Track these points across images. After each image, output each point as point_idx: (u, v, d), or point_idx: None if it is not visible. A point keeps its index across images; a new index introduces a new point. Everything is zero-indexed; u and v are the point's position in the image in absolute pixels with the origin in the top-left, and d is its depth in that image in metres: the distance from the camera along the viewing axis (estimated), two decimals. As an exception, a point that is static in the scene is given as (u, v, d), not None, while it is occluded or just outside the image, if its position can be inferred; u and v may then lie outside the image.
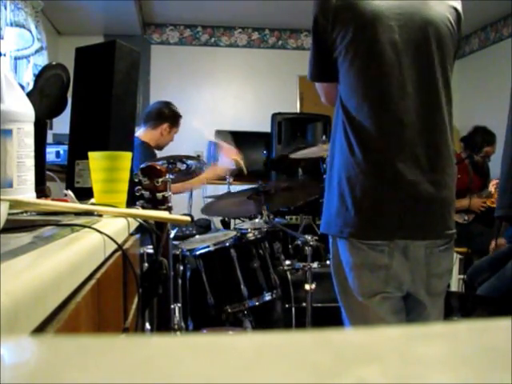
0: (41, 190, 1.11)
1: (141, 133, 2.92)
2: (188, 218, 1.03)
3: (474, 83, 4.88)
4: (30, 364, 0.21)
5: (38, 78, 1.34)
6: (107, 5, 4.26)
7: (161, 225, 1.14)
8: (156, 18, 5.19)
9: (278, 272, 2.45)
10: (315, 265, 2.26)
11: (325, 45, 1.39)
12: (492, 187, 3.48)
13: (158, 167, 1.19)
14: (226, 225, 3.60)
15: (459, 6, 1.44)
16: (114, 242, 0.72)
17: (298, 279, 2.42)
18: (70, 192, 1.01)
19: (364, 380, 0.19)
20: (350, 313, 1.44)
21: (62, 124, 1.92)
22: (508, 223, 2.51)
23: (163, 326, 1.23)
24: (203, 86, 5.31)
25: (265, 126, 4.83)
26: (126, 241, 0.96)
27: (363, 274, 1.37)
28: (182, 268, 2.24)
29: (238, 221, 3.71)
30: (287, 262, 2.49)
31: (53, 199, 1.01)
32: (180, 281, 2.20)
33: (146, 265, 1.47)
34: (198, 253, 2.34)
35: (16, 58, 3.41)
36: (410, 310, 1.43)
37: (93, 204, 0.99)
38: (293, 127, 4.69)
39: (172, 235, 1.54)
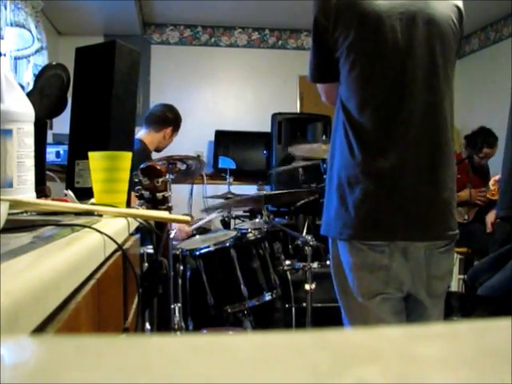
0: (41, 190, 1.11)
1: (142, 134, 2.92)
2: (188, 218, 1.03)
3: (474, 83, 4.88)
4: (30, 364, 0.21)
5: (38, 78, 1.34)
6: (107, 5, 4.26)
7: (161, 225, 1.14)
8: (156, 18, 5.19)
9: (278, 272, 2.45)
10: (315, 265, 2.26)
11: (325, 45, 1.38)
12: (492, 185, 3.48)
13: (158, 167, 1.19)
14: (226, 225, 3.60)
15: (461, 5, 1.44)
16: (114, 242, 0.72)
17: (298, 279, 2.42)
18: (70, 192, 1.01)
19: (364, 380, 0.19)
20: (349, 314, 1.44)
21: (62, 124, 1.92)
22: (509, 224, 2.51)
23: (163, 326, 1.23)
24: (203, 86, 5.31)
25: (265, 126, 4.83)
26: (126, 241, 0.96)
27: (363, 275, 1.36)
28: (182, 268, 2.24)
29: (238, 221, 3.71)
30: (287, 262, 2.49)
31: (53, 199, 1.01)
32: (180, 281, 2.20)
33: (146, 265, 1.47)
34: (198, 253, 2.34)
35: (16, 58, 3.41)
36: (411, 311, 1.42)
37: (93, 204, 0.99)
38: (293, 127, 4.69)
39: (172, 235, 1.54)
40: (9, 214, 0.62)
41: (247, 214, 3.85)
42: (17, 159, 0.81)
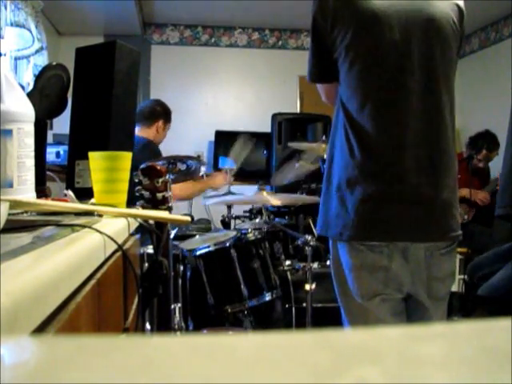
0: (41, 190, 1.11)
1: (136, 132, 2.93)
2: (188, 218, 1.03)
3: (474, 83, 4.87)
4: (30, 364, 0.21)
5: (38, 78, 1.34)
6: (107, 5, 4.26)
7: (161, 225, 1.14)
8: (156, 18, 5.19)
9: (278, 272, 2.45)
10: (315, 265, 2.26)
11: (324, 45, 1.38)
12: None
13: (158, 167, 1.19)
14: (226, 225, 3.60)
15: (462, 4, 1.43)
16: (115, 242, 0.72)
17: (298, 279, 2.42)
18: (70, 192, 1.01)
19: (364, 380, 0.19)
20: (349, 314, 1.43)
21: (62, 124, 1.92)
22: (509, 223, 2.51)
23: (163, 326, 1.23)
24: (203, 86, 5.31)
25: (265, 126, 4.82)
26: (126, 241, 0.96)
27: (362, 276, 1.36)
28: (182, 268, 2.24)
29: (238, 221, 3.71)
30: (287, 262, 2.49)
31: (53, 199, 1.01)
32: (180, 281, 2.20)
33: (146, 265, 1.47)
34: (198, 253, 2.34)
35: (16, 58, 3.41)
36: (412, 313, 1.42)
37: (93, 204, 0.99)
38: (293, 127, 4.69)
39: (172, 235, 1.54)
40: (9, 214, 0.62)
41: (247, 213, 3.85)
42: (17, 159, 0.81)
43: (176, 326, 1.86)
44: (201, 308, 2.33)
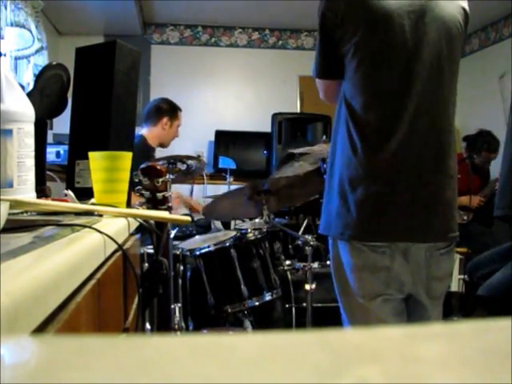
0: (41, 190, 1.11)
1: (143, 131, 2.93)
2: (188, 218, 1.03)
3: (474, 83, 4.87)
4: (30, 364, 0.21)
5: (39, 78, 1.34)
6: (107, 5, 4.26)
7: (161, 225, 1.14)
8: (156, 18, 5.19)
9: (278, 272, 2.45)
10: (315, 265, 2.26)
11: (332, 41, 1.37)
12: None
13: (158, 167, 1.19)
14: (226, 225, 3.60)
15: (467, 7, 1.43)
16: (115, 242, 0.72)
17: (299, 279, 2.42)
18: (70, 192, 1.01)
19: (364, 380, 0.19)
20: (350, 315, 1.43)
21: (62, 124, 1.93)
22: (508, 224, 2.51)
23: (163, 325, 1.23)
24: (203, 86, 5.31)
25: (265, 126, 4.83)
26: (126, 241, 0.96)
27: (364, 276, 1.35)
28: (182, 268, 2.24)
29: (238, 221, 3.71)
30: (287, 262, 2.49)
31: (53, 199, 1.01)
32: (180, 281, 2.20)
33: (147, 265, 1.47)
34: (198, 253, 2.34)
35: (16, 58, 3.41)
36: (411, 312, 1.42)
37: (93, 204, 0.99)
38: (293, 127, 4.69)
39: (172, 235, 1.54)
40: (9, 214, 0.62)
41: (247, 217, 3.85)
42: (17, 159, 0.81)
43: (176, 326, 1.86)
44: (201, 308, 2.33)
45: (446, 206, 1.38)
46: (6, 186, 0.79)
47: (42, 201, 0.84)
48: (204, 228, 3.71)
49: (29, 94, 1.13)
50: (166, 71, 5.23)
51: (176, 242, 2.45)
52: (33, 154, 0.85)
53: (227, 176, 4.25)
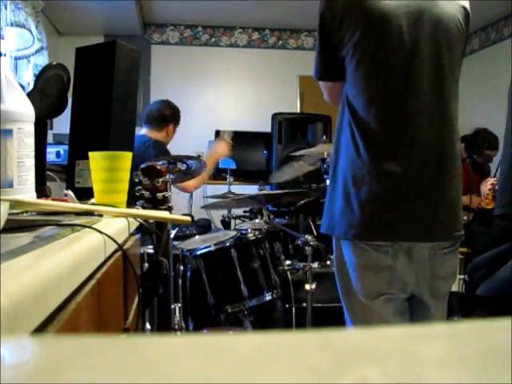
0: (41, 190, 1.11)
1: (145, 132, 2.92)
2: (188, 218, 1.03)
3: (474, 83, 4.88)
4: (30, 364, 0.21)
5: (39, 78, 1.34)
6: (107, 5, 4.26)
7: (161, 225, 1.14)
8: (156, 18, 5.19)
9: (278, 272, 2.45)
10: (315, 265, 2.26)
11: (331, 42, 1.37)
12: (486, 188, 3.46)
13: (158, 167, 1.19)
14: (226, 225, 3.60)
15: (468, 6, 1.43)
16: (115, 242, 0.72)
17: (299, 279, 2.42)
18: (70, 192, 1.01)
19: (364, 380, 0.19)
20: (352, 314, 1.43)
21: (62, 124, 1.92)
22: (508, 222, 2.51)
23: (163, 325, 1.23)
24: (203, 86, 5.31)
25: (265, 126, 4.82)
26: (126, 241, 0.96)
27: (367, 275, 1.35)
28: (182, 268, 2.24)
29: (238, 221, 3.71)
30: (287, 262, 2.49)
31: (53, 199, 1.01)
32: (180, 281, 2.20)
33: (147, 265, 1.47)
34: (198, 253, 2.34)
35: (16, 58, 3.41)
36: (414, 312, 1.42)
37: (93, 204, 0.99)
38: (293, 127, 4.69)
39: (172, 235, 1.54)
40: (9, 214, 0.62)
41: (247, 213, 3.85)
42: (17, 159, 0.81)
43: (176, 326, 1.86)
44: (201, 308, 2.33)
45: (450, 205, 1.37)
46: (6, 185, 0.79)
47: (42, 201, 0.84)
48: (204, 228, 3.72)
49: (29, 94, 1.13)
50: (166, 71, 5.23)
51: (176, 242, 2.45)
52: (33, 154, 0.85)
53: (227, 176, 4.25)
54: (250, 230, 2.48)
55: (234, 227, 3.26)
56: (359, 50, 1.33)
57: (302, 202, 3.23)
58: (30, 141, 0.84)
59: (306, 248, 2.26)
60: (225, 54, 5.41)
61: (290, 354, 0.22)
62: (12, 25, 3.19)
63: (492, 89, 4.70)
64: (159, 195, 1.17)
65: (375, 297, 1.35)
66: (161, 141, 2.89)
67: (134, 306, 1.09)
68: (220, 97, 5.38)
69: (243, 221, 3.66)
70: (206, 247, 2.34)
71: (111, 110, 1.34)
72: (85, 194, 1.13)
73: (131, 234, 1.04)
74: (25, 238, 0.60)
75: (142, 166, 1.20)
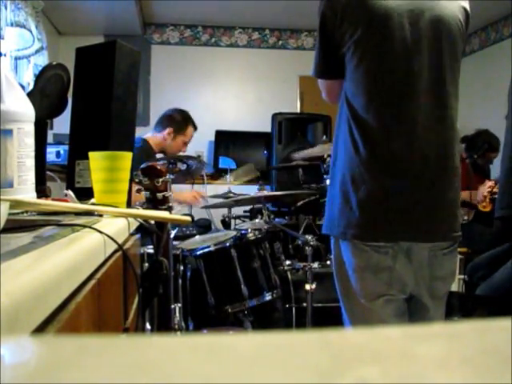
0: (41, 190, 1.11)
1: (149, 136, 2.91)
2: (188, 218, 1.03)
3: (474, 83, 4.88)
4: (30, 364, 0.21)
5: (39, 78, 1.34)
6: (107, 5, 4.26)
7: (161, 225, 1.14)
8: (156, 18, 5.19)
9: (278, 272, 2.45)
10: (315, 265, 2.26)
11: (332, 40, 1.37)
12: (484, 190, 3.44)
13: (158, 167, 1.19)
14: (226, 225, 3.60)
15: (467, 6, 1.43)
16: (115, 242, 0.72)
17: (299, 279, 2.42)
18: (70, 192, 1.01)
19: (364, 380, 0.19)
20: (351, 315, 1.42)
21: (62, 124, 1.92)
22: (508, 224, 2.52)
23: (163, 325, 1.23)
24: (203, 86, 5.31)
25: (265, 126, 4.82)
26: (126, 241, 0.96)
27: (366, 276, 1.35)
28: (182, 268, 2.24)
29: (238, 221, 3.71)
30: (287, 262, 2.49)
31: (53, 199, 1.01)
32: (180, 281, 2.20)
33: (147, 265, 1.47)
34: (198, 253, 2.34)
35: (16, 58, 3.41)
36: (413, 313, 1.41)
37: (93, 204, 0.99)
38: (293, 127, 4.69)
39: (172, 235, 1.54)
40: (9, 214, 0.62)
41: (247, 213, 3.85)
42: (17, 159, 0.81)
43: (176, 326, 1.86)
44: (201, 308, 2.33)
45: (449, 206, 1.37)
46: (6, 185, 0.79)
47: (42, 201, 0.84)
48: (204, 228, 3.71)
49: (29, 94, 1.13)
50: (166, 71, 5.23)
51: (176, 242, 2.45)
52: (33, 154, 0.85)
53: (227, 176, 4.25)
54: (250, 230, 2.48)
55: (234, 227, 3.26)
56: (360, 48, 1.32)
57: (302, 201, 3.22)
58: (30, 141, 0.84)
59: (306, 248, 2.26)
60: (225, 54, 5.41)
61: (289, 353, 0.22)
62: (12, 25, 3.19)
63: (492, 89, 4.70)
64: (159, 195, 1.17)
65: (375, 298, 1.35)
66: (151, 142, 2.85)
67: (134, 305, 1.09)
68: (220, 97, 5.38)
69: (243, 221, 3.66)
70: (205, 247, 2.34)
71: (111, 110, 1.34)
72: (85, 194, 1.13)
73: (131, 234, 1.04)
74: (25, 238, 0.60)
75: (142, 166, 1.20)
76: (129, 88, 1.41)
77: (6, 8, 3.10)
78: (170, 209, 1.19)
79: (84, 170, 1.33)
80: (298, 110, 5.35)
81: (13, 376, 0.19)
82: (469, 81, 4.83)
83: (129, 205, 1.12)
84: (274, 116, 4.71)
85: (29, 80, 3.46)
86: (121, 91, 1.37)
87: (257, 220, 2.91)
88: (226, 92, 5.40)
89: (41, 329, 0.41)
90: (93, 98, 1.40)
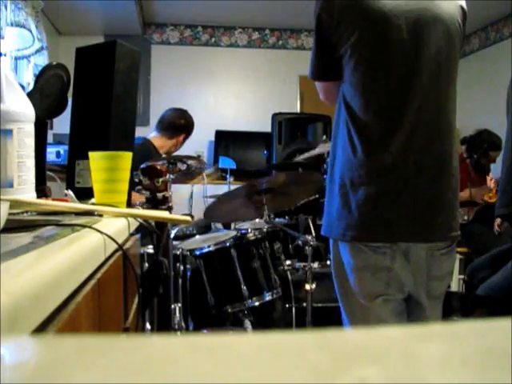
0: (41, 190, 1.11)
1: (152, 136, 2.91)
2: (188, 218, 1.03)
3: (474, 83, 4.87)
4: (31, 364, 0.21)
5: (39, 78, 1.34)
6: (107, 5, 4.26)
7: (161, 225, 1.14)
8: (156, 18, 5.19)
9: (278, 272, 2.45)
10: (315, 265, 2.26)
11: (328, 42, 1.36)
12: (491, 183, 3.46)
13: (159, 167, 1.19)
14: (226, 225, 3.60)
15: (465, 5, 1.43)
16: (115, 242, 0.72)
17: (299, 279, 2.42)
18: (70, 192, 1.01)
19: (364, 380, 0.19)
20: (350, 315, 1.43)
21: (62, 124, 1.92)
22: (508, 222, 2.51)
23: (163, 325, 1.23)
24: (203, 86, 5.31)
25: (265, 126, 4.83)
26: (126, 241, 0.96)
27: (365, 277, 1.35)
28: (182, 268, 2.24)
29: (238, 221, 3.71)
30: (287, 262, 2.49)
31: (53, 199, 1.01)
32: (180, 281, 2.20)
33: (147, 265, 1.47)
34: (198, 253, 2.34)
35: (16, 58, 3.41)
36: (411, 313, 1.42)
37: (93, 204, 0.99)
38: (293, 127, 4.69)
39: (172, 235, 1.53)
40: (9, 214, 0.62)
41: (248, 218, 3.85)
42: (17, 159, 0.81)
43: (176, 326, 1.86)
44: (201, 308, 2.33)
45: (448, 206, 1.37)
46: (6, 185, 0.79)
47: (42, 201, 0.84)
48: (204, 228, 3.71)
49: (29, 94, 1.13)
50: (166, 71, 5.23)
51: (176, 242, 2.45)
52: (33, 154, 0.85)
53: (227, 176, 4.26)
54: (250, 230, 2.48)
55: (234, 227, 3.26)
56: (357, 50, 1.32)
57: (302, 201, 3.22)
58: (30, 141, 0.84)
59: (306, 248, 2.26)
60: (225, 54, 5.41)
61: (289, 353, 0.22)
62: (12, 25, 3.19)
63: (492, 89, 4.70)
64: (159, 195, 1.17)
65: (373, 298, 1.35)
66: (156, 144, 2.86)
67: (134, 306, 1.09)
68: (220, 97, 5.38)
69: (243, 221, 3.66)
70: (205, 247, 2.34)
71: (111, 110, 1.34)
72: (85, 194, 1.13)
73: (131, 234, 1.04)
74: (25, 237, 0.60)
75: (142, 166, 1.20)
76: (129, 88, 1.41)
77: (6, 8, 3.10)
78: (169, 209, 1.19)
79: (84, 170, 1.33)
80: (298, 110, 5.35)
81: (13, 376, 0.19)
82: (469, 81, 4.83)
83: (129, 204, 1.12)
84: (274, 116, 4.71)
85: (29, 80, 3.46)
86: (121, 91, 1.37)
87: (257, 220, 2.91)
88: (225, 92, 5.40)
89: (41, 329, 0.41)
90: (93, 97, 1.40)
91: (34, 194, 0.86)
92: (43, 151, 1.31)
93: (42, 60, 3.67)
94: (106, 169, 1.04)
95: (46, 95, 1.30)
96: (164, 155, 2.93)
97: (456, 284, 3.45)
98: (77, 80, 1.43)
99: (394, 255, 1.33)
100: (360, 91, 1.34)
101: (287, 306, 2.43)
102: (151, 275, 1.10)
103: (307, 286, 2.19)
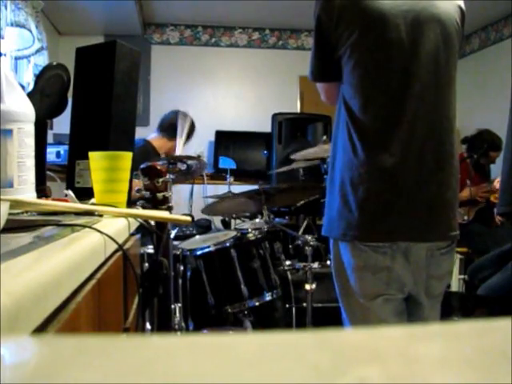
0: (41, 190, 1.11)
1: (152, 137, 2.92)
2: (188, 218, 1.03)
3: (474, 83, 4.87)
4: (31, 364, 0.21)
5: (39, 78, 1.34)
6: (107, 5, 4.26)
7: (161, 225, 1.14)
8: (156, 18, 5.19)
9: (278, 272, 2.45)
10: (315, 265, 2.26)
11: (327, 43, 1.37)
12: (498, 185, 3.46)
13: (159, 167, 1.19)
14: (226, 225, 3.60)
15: (463, 5, 1.43)
16: (115, 242, 0.72)
17: (299, 279, 2.42)
18: (70, 192, 1.01)
19: (364, 380, 0.19)
20: (351, 315, 1.43)
21: (62, 124, 1.93)
22: (508, 221, 2.51)
23: (164, 325, 1.23)
24: (203, 86, 5.31)
25: (265, 126, 4.83)
26: (126, 241, 0.96)
27: (365, 276, 1.35)
28: (182, 268, 2.24)
29: (238, 221, 3.71)
30: (287, 262, 2.49)
31: (53, 199, 1.01)
32: (180, 281, 2.20)
33: (147, 265, 1.47)
34: (198, 253, 2.34)
35: (16, 58, 3.41)
36: (410, 312, 1.42)
37: (93, 204, 0.99)
38: (293, 127, 4.69)
39: (172, 235, 1.54)
40: (9, 214, 0.62)
41: (247, 214, 3.85)
42: (17, 159, 0.81)
43: (176, 326, 1.86)
44: (201, 308, 2.33)
45: (447, 205, 1.38)
46: (6, 185, 0.79)
47: (42, 201, 0.84)
48: (204, 228, 3.71)
49: (29, 94, 1.13)
50: (166, 71, 5.23)
51: (176, 242, 2.45)
52: (33, 154, 0.85)
53: (227, 176, 4.26)
54: (250, 230, 2.48)
55: (234, 227, 3.26)
56: (357, 51, 1.32)
57: (302, 201, 3.22)
58: (30, 141, 0.84)
59: (306, 248, 2.26)
60: (225, 54, 5.41)
61: (290, 353, 0.22)
62: (12, 25, 3.19)
63: (492, 89, 4.70)
64: (159, 195, 1.17)
65: (374, 297, 1.35)
66: (155, 145, 2.87)
67: (134, 305, 1.09)
68: (220, 97, 5.38)
69: (243, 221, 3.66)
70: (205, 247, 2.34)
71: (111, 110, 1.34)
72: (85, 193, 1.13)
73: (131, 234, 1.04)
74: (25, 238, 0.60)
75: (142, 166, 1.20)
76: (129, 88, 1.41)
77: (6, 8, 3.10)
78: (169, 209, 1.19)
79: (84, 170, 1.33)
80: (298, 110, 5.35)
81: (13, 376, 0.19)
82: (469, 81, 4.83)
83: (129, 205, 1.12)
84: (274, 116, 4.71)
85: (29, 80, 3.46)
86: (121, 91, 1.37)
87: (257, 220, 2.91)
88: (225, 92, 5.40)
89: (41, 329, 0.41)
90: (93, 97, 1.40)
91: (34, 194, 0.86)
92: (43, 151, 1.31)
93: (42, 60, 3.67)
94: (106, 169, 1.04)
95: (46, 95, 1.30)
96: (163, 156, 2.93)
97: (456, 284, 3.45)
98: (77, 80, 1.43)
99: (395, 255, 1.33)
100: (359, 91, 1.34)
101: (287, 306, 2.43)
102: (151, 275, 1.10)
103: (307, 286, 2.19)
